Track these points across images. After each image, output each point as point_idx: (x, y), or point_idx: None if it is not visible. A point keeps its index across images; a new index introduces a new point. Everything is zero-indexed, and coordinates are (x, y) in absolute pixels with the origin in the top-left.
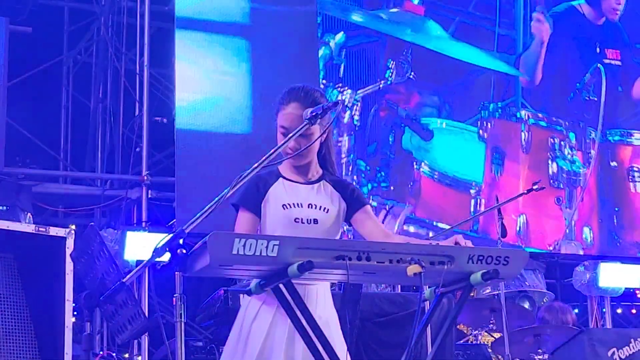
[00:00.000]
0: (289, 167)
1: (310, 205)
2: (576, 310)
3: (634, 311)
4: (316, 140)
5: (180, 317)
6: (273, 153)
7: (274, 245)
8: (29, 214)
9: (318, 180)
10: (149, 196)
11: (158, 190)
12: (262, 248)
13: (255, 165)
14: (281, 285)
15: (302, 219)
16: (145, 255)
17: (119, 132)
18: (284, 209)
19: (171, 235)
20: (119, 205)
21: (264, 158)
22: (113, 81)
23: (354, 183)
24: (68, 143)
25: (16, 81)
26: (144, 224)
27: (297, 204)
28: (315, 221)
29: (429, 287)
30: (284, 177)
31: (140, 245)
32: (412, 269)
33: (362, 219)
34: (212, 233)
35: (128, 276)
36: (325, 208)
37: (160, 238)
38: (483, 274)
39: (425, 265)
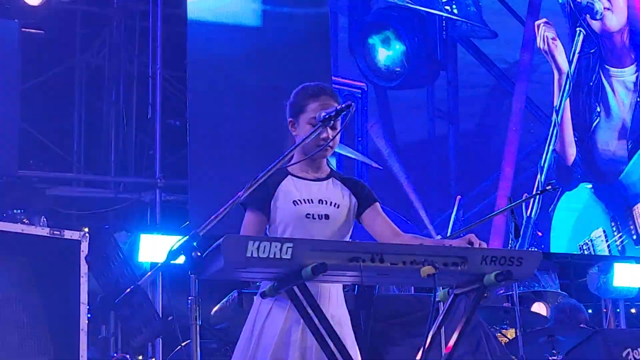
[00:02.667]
0: (299, 164)
1: (320, 201)
2: (590, 310)
3: None
4: (315, 130)
5: (196, 320)
6: (293, 150)
7: (288, 247)
8: (43, 217)
9: (327, 178)
10: (162, 199)
11: (171, 193)
12: (276, 250)
13: (271, 166)
14: (295, 288)
15: (313, 215)
16: (159, 258)
17: (132, 134)
18: (295, 205)
19: (186, 237)
20: (133, 208)
21: (280, 158)
22: (126, 84)
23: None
24: (81, 146)
25: (30, 84)
26: (157, 226)
27: (308, 200)
28: (327, 217)
29: (442, 289)
30: (293, 175)
31: (154, 248)
32: (426, 270)
33: (372, 216)
34: (226, 236)
35: (143, 278)
36: (336, 204)
37: (173, 240)
38: (497, 275)
39: (439, 266)
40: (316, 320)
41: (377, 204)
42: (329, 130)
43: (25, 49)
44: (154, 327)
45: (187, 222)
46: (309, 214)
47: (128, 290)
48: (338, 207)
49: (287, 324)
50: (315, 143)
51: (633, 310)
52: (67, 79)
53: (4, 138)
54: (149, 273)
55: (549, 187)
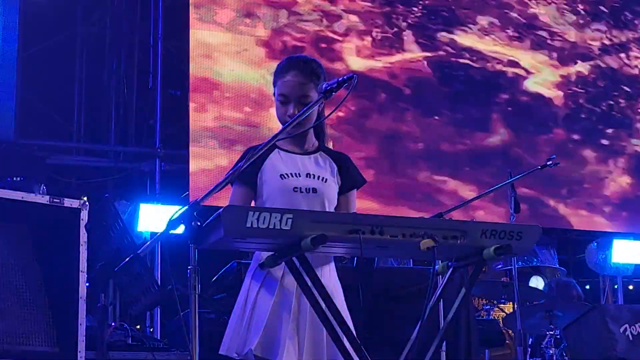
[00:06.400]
0: (285, 137)
1: (308, 175)
2: (587, 287)
3: None
4: (313, 105)
5: (194, 290)
6: (289, 126)
7: (288, 218)
8: (42, 185)
9: (315, 152)
10: (162, 168)
11: (171, 163)
12: (276, 221)
13: (269, 139)
14: (294, 258)
15: (300, 188)
16: (159, 227)
17: (132, 104)
18: (282, 178)
19: (185, 207)
20: (132, 177)
21: (278, 131)
22: (127, 53)
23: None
24: (82, 115)
25: (30, 52)
26: (157, 196)
27: (296, 174)
28: (315, 190)
29: (441, 262)
30: (280, 148)
31: (154, 217)
32: (425, 243)
33: (341, 202)
34: (227, 206)
35: (142, 247)
36: (323, 178)
37: (173, 210)
38: (496, 248)
39: (439, 239)
40: (314, 291)
41: (354, 191)
42: (294, 108)
43: (26, 16)
44: (152, 296)
45: (187, 193)
46: (296, 187)
47: (127, 259)
48: (326, 181)
49: (279, 298)
50: (283, 120)
51: (631, 287)
52: (69, 47)
53: (3, 106)
54: (148, 242)
55: (550, 162)
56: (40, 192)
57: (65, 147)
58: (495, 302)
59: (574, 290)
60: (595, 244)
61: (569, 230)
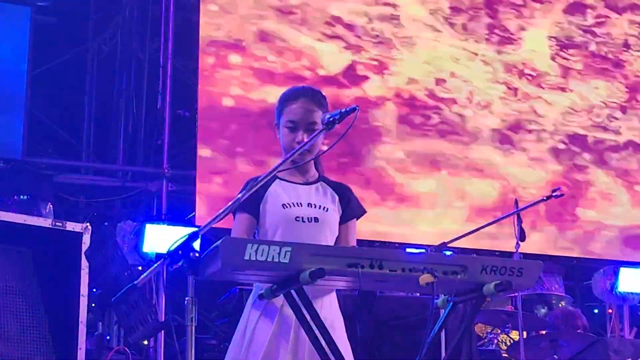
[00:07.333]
0: (289, 167)
1: (310, 204)
2: (596, 310)
3: None
4: (319, 133)
5: (192, 321)
6: (296, 152)
7: (286, 251)
8: (49, 204)
9: (316, 182)
10: (169, 189)
11: (178, 183)
12: (275, 254)
13: (274, 167)
14: (292, 291)
15: (302, 218)
16: (164, 248)
17: (141, 123)
18: (284, 208)
19: (185, 237)
20: (139, 197)
21: (281, 160)
22: (137, 71)
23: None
24: (91, 133)
25: (41, 70)
26: (163, 216)
27: (297, 204)
28: (317, 219)
29: (442, 296)
30: (281, 179)
31: (159, 238)
32: (425, 278)
33: (340, 232)
34: (225, 238)
35: (140, 278)
36: (325, 207)
37: (178, 231)
38: (496, 285)
39: (438, 274)
40: (312, 323)
41: (355, 220)
42: (303, 134)
43: (37, 33)
44: (150, 326)
45: (193, 214)
46: (298, 216)
47: (124, 290)
48: (327, 211)
49: (278, 327)
50: (290, 146)
51: None
52: (79, 65)
53: (11, 124)
54: (147, 272)
55: (555, 193)
56: (47, 210)
57: (73, 166)
58: (499, 330)
59: (579, 321)
60: (602, 271)
61: (576, 257)
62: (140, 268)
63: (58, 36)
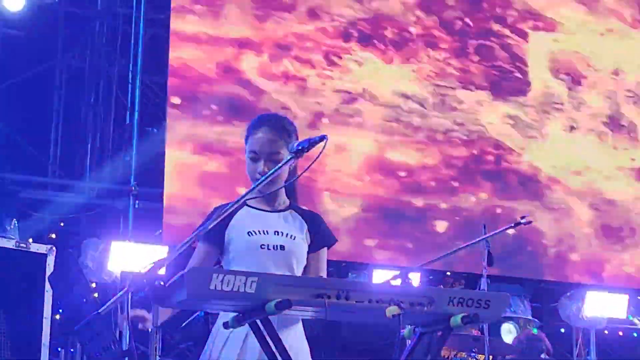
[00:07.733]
0: (256, 196)
1: (276, 232)
2: (562, 330)
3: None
4: (284, 165)
5: (155, 351)
6: (259, 184)
7: (252, 281)
8: (14, 220)
9: (286, 209)
10: (136, 206)
11: (145, 201)
12: (240, 284)
13: (239, 198)
14: (258, 321)
15: (268, 246)
16: (130, 266)
17: (109, 140)
18: (249, 235)
19: (150, 266)
20: (105, 214)
21: (248, 190)
22: (105, 88)
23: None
24: (58, 148)
25: (7, 84)
26: (129, 234)
27: (263, 231)
28: (282, 247)
29: (409, 326)
30: (249, 206)
31: (125, 256)
32: (391, 310)
33: (310, 260)
34: (190, 268)
35: (104, 307)
36: (292, 235)
37: (144, 249)
38: (463, 317)
39: (405, 306)
40: (276, 353)
41: (325, 249)
42: (264, 165)
43: (5, 47)
44: (112, 354)
45: (160, 231)
46: (263, 244)
47: (88, 318)
48: (294, 239)
49: (243, 356)
50: (253, 177)
51: (606, 332)
52: (47, 80)
53: None
54: (111, 301)
55: (523, 219)
56: (11, 227)
57: (39, 182)
58: (464, 354)
59: (543, 345)
60: (569, 294)
61: (543, 280)
62: (96, 295)
63: (26, 50)
